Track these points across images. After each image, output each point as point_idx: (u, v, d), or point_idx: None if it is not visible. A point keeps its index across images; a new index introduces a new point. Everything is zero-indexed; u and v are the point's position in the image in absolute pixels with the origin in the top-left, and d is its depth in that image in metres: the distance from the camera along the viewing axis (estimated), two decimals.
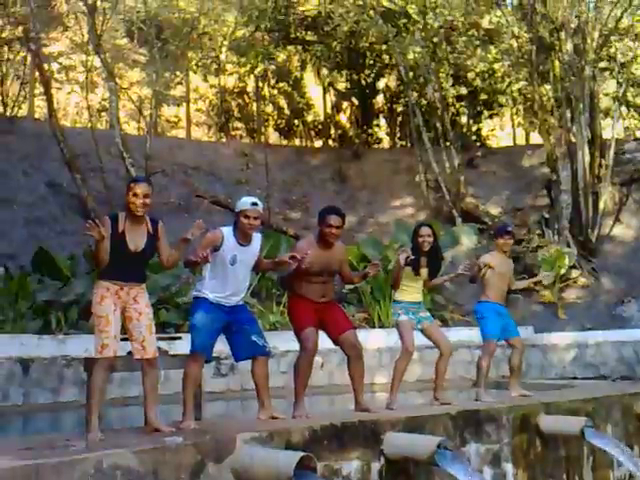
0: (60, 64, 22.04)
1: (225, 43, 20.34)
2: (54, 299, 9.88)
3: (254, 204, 4.79)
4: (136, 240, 4.27)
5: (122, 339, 4.37)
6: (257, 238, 4.91)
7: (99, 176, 15.34)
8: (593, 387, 8.18)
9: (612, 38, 16.78)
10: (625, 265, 15.36)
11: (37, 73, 15.67)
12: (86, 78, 18.01)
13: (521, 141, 22.95)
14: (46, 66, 17.49)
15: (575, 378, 10.73)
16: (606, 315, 13.87)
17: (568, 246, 15.08)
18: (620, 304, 14.08)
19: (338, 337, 5.17)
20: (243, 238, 4.79)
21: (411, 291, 5.75)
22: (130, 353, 5.05)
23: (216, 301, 4.72)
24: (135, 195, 4.23)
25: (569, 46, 15.87)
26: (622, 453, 5.36)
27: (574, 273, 14.63)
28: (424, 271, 5.75)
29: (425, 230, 5.73)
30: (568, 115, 16.16)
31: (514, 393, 6.38)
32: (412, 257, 5.54)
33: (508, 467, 5.30)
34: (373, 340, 10.02)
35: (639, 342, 11.45)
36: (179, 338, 5.94)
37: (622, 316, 13.69)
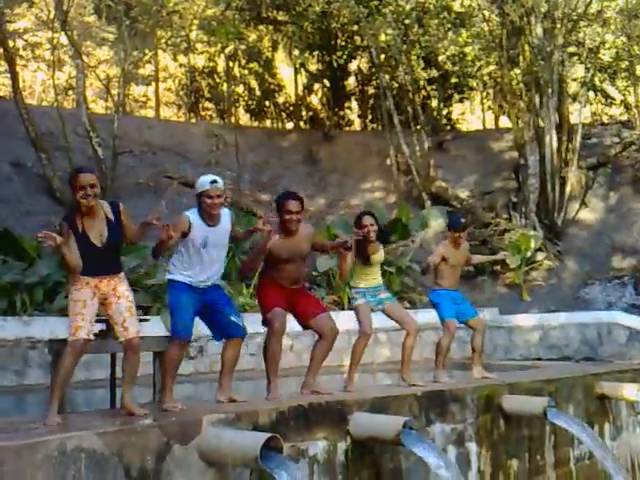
0: (25, 41, 21.52)
1: (195, 22, 20.03)
2: (19, 280, 9.72)
3: (214, 182, 4.64)
4: (98, 234, 4.19)
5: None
6: (225, 214, 4.79)
7: (65, 156, 15.08)
8: (556, 368, 8.36)
9: (581, 23, 16.93)
10: (589, 248, 15.65)
11: (1, 50, 15.25)
12: (52, 56, 17.62)
13: (490, 125, 23.12)
14: (11, 43, 17.07)
15: (539, 359, 10.93)
16: (570, 297, 14.15)
17: (534, 229, 15.31)
18: (584, 286, 14.37)
19: (309, 321, 5.14)
20: (210, 219, 4.67)
21: (368, 277, 5.76)
22: (97, 335, 5.01)
23: (190, 283, 4.65)
24: (82, 188, 4.09)
25: (539, 30, 15.98)
26: (583, 432, 5.50)
27: (540, 256, 14.86)
28: (378, 255, 5.75)
29: (368, 219, 5.67)
30: (537, 99, 16.31)
31: (477, 375, 6.44)
32: (349, 245, 5.37)
33: (472, 446, 5.41)
34: (342, 322, 9.93)
35: (602, 324, 11.69)
36: (147, 320, 5.88)
37: (585, 298, 13.98)
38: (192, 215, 4.68)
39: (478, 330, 6.54)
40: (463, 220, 6.81)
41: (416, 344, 5.93)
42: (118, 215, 4.30)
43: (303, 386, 5.15)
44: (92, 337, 4.16)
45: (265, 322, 5.04)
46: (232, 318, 4.73)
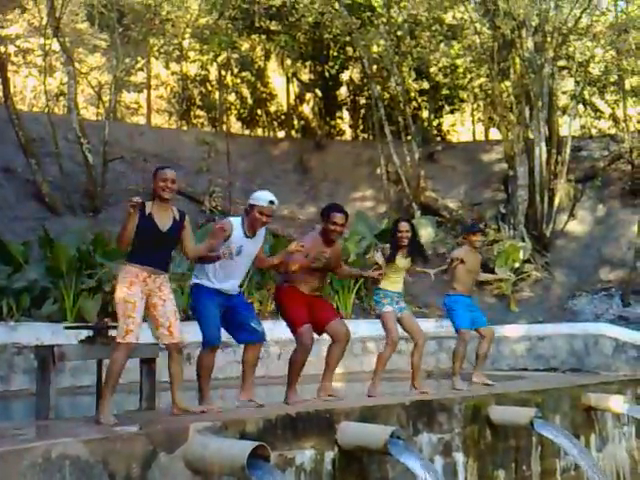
0: (17, 47, 21.46)
1: (188, 30, 20.05)
2: (5, 285, 9.67)
3: (272, 202, 4.86)
4: (163, 221, 4.42)
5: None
6: (261, 233, 5.00)
7: (55, 161, 15.04)
8: (543, 379, 8.39)
9: (571, 37, 17.09)
10: (577, 260, 15.74)
11: None
12: (44, 62, 17.59)
13: (480, 137, 23.26)
14: (2, 48, 17.03)
15: (526, 370, 10.96)
16: (558, 308, 14.20)
17: (523, 240, 15.38)
18: (571, 298, 14.44)
19: (324, 327, 5.37)
20: (250, 230, 4.87)
21: (395, 281, 5.98)
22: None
23: (215, 288, 4.80)
24: (164, 181, 4.47)
25: (530, 44, 16.12)
26: (569, 443, 5.51)
27: (527, 267, 14.93)
28: (405, 262, 5.99)
29: (404, 226, 6.00)
30: (527, 112, 16.44)
31: (476, 379, 6.61)
32: (386, 249, 5.87)
33: (459, 456, 5.41)
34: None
35: (589, 335, 11.73)
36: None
37: (573, 310, 14.04)
38: (235, 222, 4.88)
39: (487, 338, 6.73)
40: (478, 225, 7.13)
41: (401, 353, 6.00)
42: (182, 219, 4.55)
43: (320, 390, 5.38)
44: (139, 341, 4.31)
45: (293, 331, 5.24)
46: (252, 324, 4.89)
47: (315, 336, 5.34)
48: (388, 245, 5.95)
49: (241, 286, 5.22)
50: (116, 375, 4.17)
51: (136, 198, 4.28)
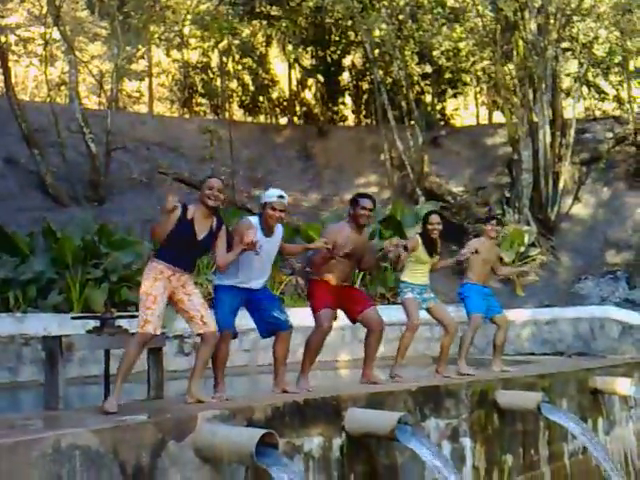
0: (18, 36, 21.40)
1: (188, 17, 19.95)
2: (12, 277, 9.68)
3: (281, 197, 4.88)
4: (202, 229, 4.47)
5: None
6: (279, 228, 5.03)
7: (58, 152, 15.02)
8: (549, 363, 8.39)
9: (574, 18, 16.94)
10: (583, 243, 15.70)
11: None
12: (45, 51, 17.52)
13: (484, 120, 23.14)
14: (3, 38, 16.97)
15: (532, 354, 10.97)
16: (563, 292, 14.19)
17: (528, 224, 15.34)
18: (577, 281, 14.41)
19: (357, 316, 5.46)
20: (268, 229, 4.90)
21: (419, 275, 6.10)
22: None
23: (234, 284, 4.85)
24: (210, 188, 4.51)
25: (533, 25, 15.98)
26: (576, 427, 5.52)
27: (533, 251, 14.90)
28: (436, 256, 6.17)
29: (435, 218, 6.11)
30: (530, 95, 16.33)
31: (496, 368, 6.64)
32: (402, 245, 5.97)
33: (466, 441, 5.42)
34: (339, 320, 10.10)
35: (595, 319, 11.73)
36: None
37: (579, 293, 14.02)
38: (255, 222, 4.89)
39: (502, 327, 6.75)
40: (495, 214, 7.06)
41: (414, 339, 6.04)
42: (219, 229, 4.59)
43: (363, 377, 5.55)
44: (159, 332, 4.32)
45: (315, 317, 5.29)
46: (274, 314, 4.91)
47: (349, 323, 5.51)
48: (402, 241, 6.10)
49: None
50: (129, 364, 4.20)
51: (173, 199, 4.32)
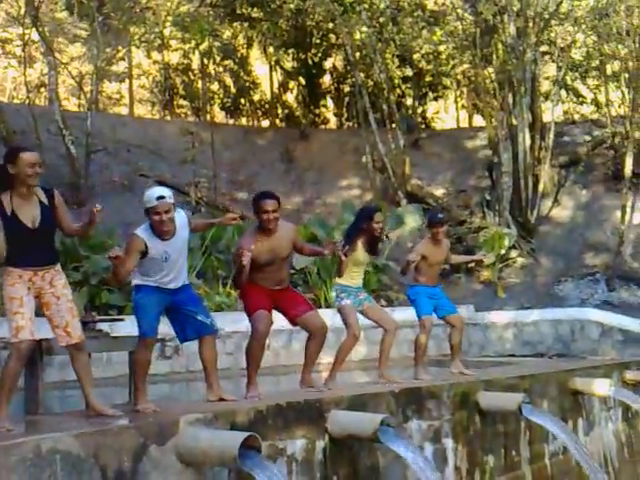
0: None
1: (169, 18, 19.86)
2: None
3: (160, 197, 4.33)
4: (30, 215, 3.88)
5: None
6: (180, 219, 4.51)
7: (38, 154, 14.85)
8: (530, 364, 8.46)
9: (552, 22, 17.13)
10: (562, 245, 15.86)
11: None
12: (23, 52, 17.35)
13: (464, 123, 23.30)
14: None
15: (513, 355, 11.05)
16: (544, 294, 14.32)
17: (508, 227, 15.46)
18: (557, 283, 14.56)
19: (297, 319, 5.18)
20: (164, 233, 4.40)
21: (356, 276, 5.82)
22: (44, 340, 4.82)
23: (156, 284, 4.52)
24: (31, 166, 3.87)
25: (512, 29, 16.13)
26: (557, 428, 5.57)
27: (513, 253, 15.04)
28: (366, 255, 5.85)
29: (379, 216, 5.81)
30: (510, 98, 16.47)
31: (454, 370, 6.51)
32: (342, 243, 5.43)
33: (448, 443, 5.44)
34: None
35: (575, 320, 11.85)
36: (121, 320, 5.83)
37: (559, 295, 14.16)
38: (144, 233, 4.40)
39: (456, 327, 6.56)
40: (441, 215, 6.71)
41: (394, 342, 5.99)
42: (51, 200, 4.01)
43: (301, 382, 5.36)
44: (36, 336, 3.90)
45: (250, 320, 5.02)
46: (199, 317, 4.60)
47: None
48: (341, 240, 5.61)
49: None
50: (12, 379, 3.77)
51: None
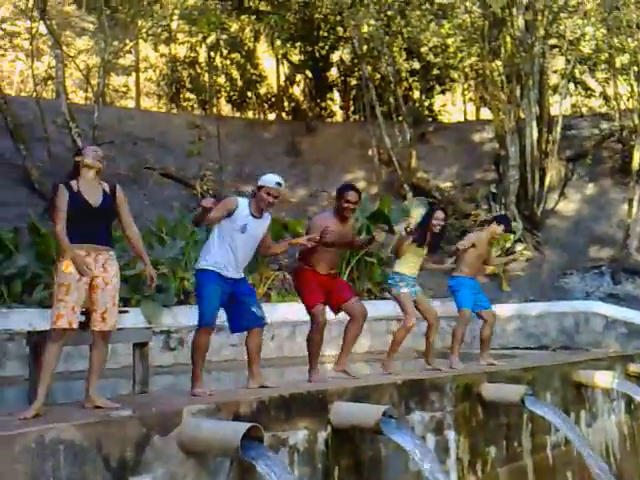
0: (3, 30, 21.24)
1: (176, 11, 19.86)
2: None
3: (278, 184, 4.90)
4: (93, 196, 4.22)
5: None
6: (267, 216, 5.03)
7: (44, 146, 14.92)
8: (534, 357, 8.46)
9: (561, 15, 17.01)
10: (568, 239, 15.81)
11: None
12: (31, 45, 17.39)
13: (472, 116, 23.22)
14: None
15: (517, 348, 11.06)
16: (548, 287, 14.29)
17: (514, 220, 15.40)
18: (562, 276, 14.52)
19: (342, 304, 5.57)
20: (257, 211, 4.89)
21: (413, 265, 6.18)
22: (80, 326, 4.92)
23: (220, 272, 4.80)
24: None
25: (520, 22, 16.03)
26: (559, 420, 5.58)
27: (519, 246, 15.00)
28: (424, 250, 6.23)
29: (440, 214, 6.20)
30: (518, 91, 16.39)
31: (483, 362, 6.73)
32: (413, 230, 6.04)
33: (451, 434, 5.47)
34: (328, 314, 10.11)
35: (579, 313, 11.83)
36: (126, 312, 5.86)
37: (564, 288, 14.13)
38: (242, 201, 4.90)
39: (489, 322, 6.82)
40: (510, 224, 7.21)
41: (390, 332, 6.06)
42: (113, 192, 4.37)
43: (336, 365, 5.65)
44: (75, 326, 4.02)
45: (309, 312, 5.44)
46: (252, 309, 4.91)
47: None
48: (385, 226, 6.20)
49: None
50: (47, 364, 3.96)
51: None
